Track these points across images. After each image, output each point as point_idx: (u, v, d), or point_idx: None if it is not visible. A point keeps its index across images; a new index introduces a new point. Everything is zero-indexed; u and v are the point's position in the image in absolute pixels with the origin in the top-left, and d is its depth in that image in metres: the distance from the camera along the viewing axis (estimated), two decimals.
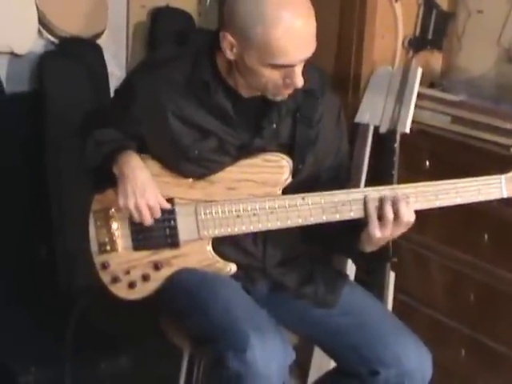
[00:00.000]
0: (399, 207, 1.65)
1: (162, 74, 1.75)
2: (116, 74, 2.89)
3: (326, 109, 1.81)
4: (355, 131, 2.58)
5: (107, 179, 1.78)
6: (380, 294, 2.50)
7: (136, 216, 1.74)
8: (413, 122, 2.46)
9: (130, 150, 1.77)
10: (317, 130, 1.80)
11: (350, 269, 2.55)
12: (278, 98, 1.71)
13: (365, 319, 1.77)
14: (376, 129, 2.55)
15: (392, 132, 2.49)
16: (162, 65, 1.77)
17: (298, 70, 1.63)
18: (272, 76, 1.63)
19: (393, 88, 2.52)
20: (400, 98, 2.48)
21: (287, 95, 1.70)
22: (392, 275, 2.56)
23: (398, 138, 2.48)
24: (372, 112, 2.56)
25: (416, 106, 2.47)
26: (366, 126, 2.57)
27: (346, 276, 1.95)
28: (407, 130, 2.46)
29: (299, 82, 1.64)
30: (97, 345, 2.45)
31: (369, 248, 1.74)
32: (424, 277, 2.52)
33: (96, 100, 2.68)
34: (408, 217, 1.66)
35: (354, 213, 1.70)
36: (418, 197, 1.68)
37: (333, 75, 2.59)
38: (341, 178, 1.84)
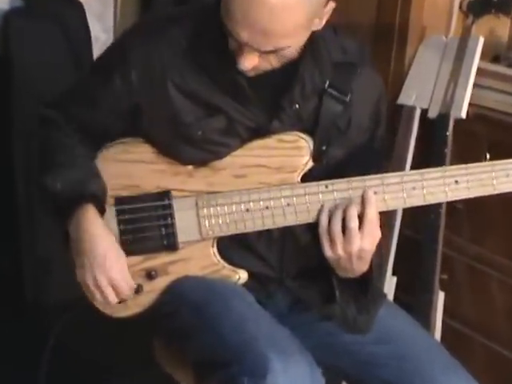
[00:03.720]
0: (348, 216, 1.67)
1: (161, 36, 1.77)
2: (101, 38, 2.93)
3: (364, 87, 1.83)
4: (398, 115, 2.60)
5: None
6: (426, 319, 2.51)
7: (97, 296, 1.79)
8: (470, 104, 2.48)
9: (89, 202, 1.79)
10: (350, 112, 1.82)
11: (389, 286, 2.58)
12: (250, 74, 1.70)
13: (405, 349, 1.77)
14: (424, 112, 2.58)
15: (444, 117, 2.50)
16: (162, 25, 1.79)
17: (243, 51, 1.63)
18: (230, 41, 1.65)
19: (446, 62, 2.54)
20: (455, 75, 2.50)
21: (248, 73, 1.69)
22: (441, 296, 2.57)
23: (451, 124, 2.49)
24: (419, 92, 2.59)
25: (475, 84, 2.48)
26: (412, 109, 2.60)
27: (383, 295, 1.96)
28: (463, 115, 2.48)
29: (241, 64, 1.64)
30: (75, 377, 2.48)
31: (340, 272, 1.76)
32: (481, 298, 2.53)
33: (76, 71, 2.70)
34: (365, 233, 1.68)
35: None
36: (471, 181, 1.70)
37: (371, 43, 2.61)
38: (371, 167, 1.84)
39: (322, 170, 1.79)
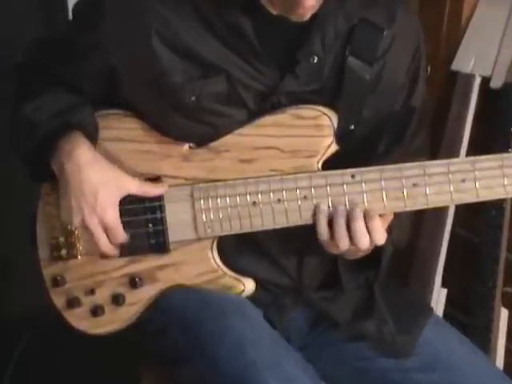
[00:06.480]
0: (354, 226, 1.68)
1: None
2: None
3: (398, 34, 1.83)
4: (452, 84, 2.61)
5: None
6: (484, 342, 2.51)
7: (96, 237, 1.80)
8: None
9: (77, 129, 1.81)
10: (381, 63, 1.82)
11: (437, 301, 2.58)
12: (293, 18, 1.73)
13: (458, 378, 1.77)
14: (485, 81, 2.57)
15: (510, 87, 2.49)
16: None
17: None
18: None
19: None
20: None
21: (305, 15, 1.72)
22: (504, 313, 2.57)
23: None
24: (479, 57, 2.59)
25: None
26: (470, 77, 2.59)
27: (429, 310, 1.97)
28: None
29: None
30: None
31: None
32: None
33: (48, 30, 2.70)
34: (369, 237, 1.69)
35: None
36: None
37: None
38: (408, 131, 1.85)
39: (345, 154, 1.77)
